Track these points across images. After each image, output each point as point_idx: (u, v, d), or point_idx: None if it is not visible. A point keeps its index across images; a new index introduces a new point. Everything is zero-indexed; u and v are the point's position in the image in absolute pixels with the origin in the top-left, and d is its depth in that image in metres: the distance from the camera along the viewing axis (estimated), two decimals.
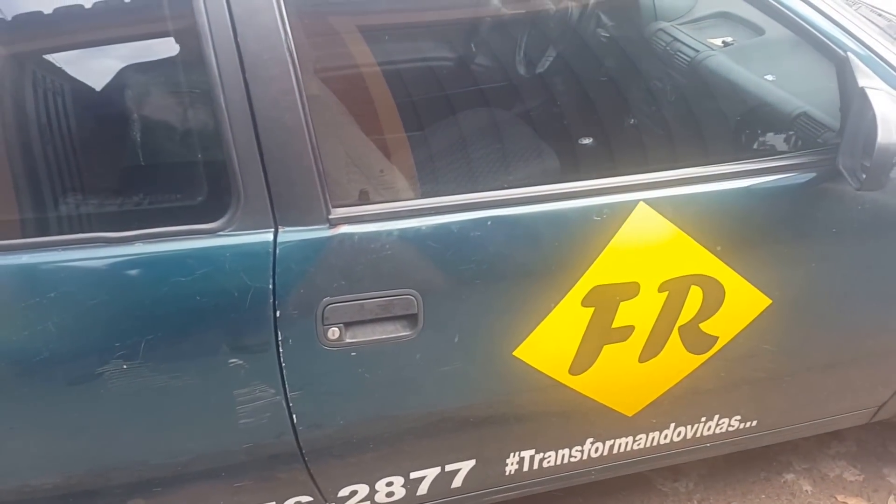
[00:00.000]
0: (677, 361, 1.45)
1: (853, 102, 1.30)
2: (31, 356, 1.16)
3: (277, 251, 1.18)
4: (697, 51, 1.79)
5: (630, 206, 1.30)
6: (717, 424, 1.60)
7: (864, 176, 1.26)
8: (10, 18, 1.24)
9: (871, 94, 1.26)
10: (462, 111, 1.91)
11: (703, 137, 1.71)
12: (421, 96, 1.91)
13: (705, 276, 1.36)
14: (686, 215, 1.33)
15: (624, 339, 1.38)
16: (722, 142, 1.66)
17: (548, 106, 1.99)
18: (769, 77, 1.65)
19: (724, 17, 1.90)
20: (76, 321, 1.16)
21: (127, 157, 1.29)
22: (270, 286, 1.19)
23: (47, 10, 1.24)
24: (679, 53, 1.82)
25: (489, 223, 1.26)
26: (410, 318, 1.26)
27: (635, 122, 1.87)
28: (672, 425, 1.57)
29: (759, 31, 1.78)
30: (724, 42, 1.81)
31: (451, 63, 2.13)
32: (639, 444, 1.57)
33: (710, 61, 1.75)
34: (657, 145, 1.77)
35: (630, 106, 1.90)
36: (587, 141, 1.79)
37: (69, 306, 1.16)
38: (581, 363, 1.38)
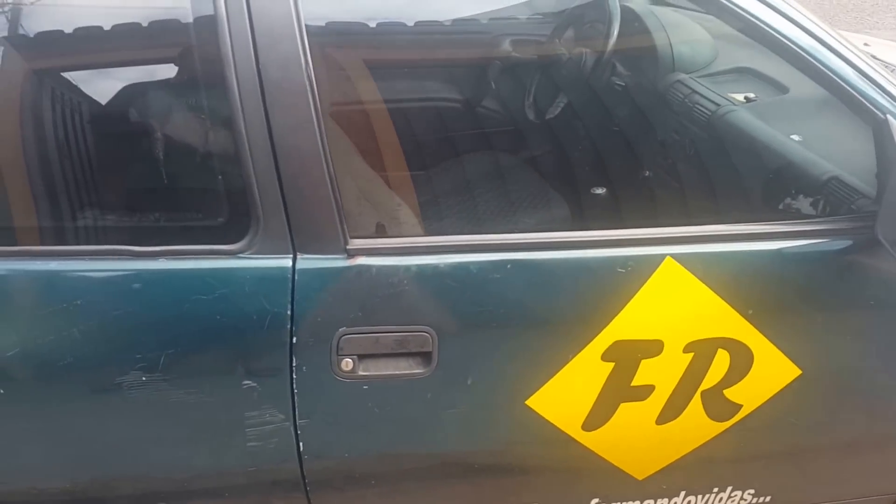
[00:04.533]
0: (696, 427, 1.40)
1: (893, 168, 1.26)
2: (53, 360, 1.18)
3: (296, 277, 1.19)
4: (718, 104, 1.75)
5: (657, 261, 1.28)
6: (730, 497, 1.54)
7: None
8: (34, 39, 1.30)
9: None
10: (470, 154, 1.93)
11: (730, 194, 1.67)
12: (431, 136, 1.93)
13: (734, 339, 1.32)
14: (716, 274, 1.30)
15: (643, 399, 1.35)
16: (750, 200, 1.62)
17: (562, 153, 1.98)
18: (795, 137, 1.60)
19: (745, 72, 1.86)
20: (100, 330, 1.18)
21: (154, 176, 1.33)
22: (289, 312, 1.19)
23: (81, 34, 1.30)
24: (698, 106, 1.78)
25: (509, 266, 1.25)
26: (424, 356, 1.25)
27: (650, 175, 1.84)
28: (682, 493, 1.51)
29: (782, 89, 1.74)
30: (746, 98, 1.76)
31: (459, 105, 2.15)
32: None
33: (732, 116, 1.70)
34: (678, 199, 1.74)
35: (645, 157, 1.87)
36: (600, 191, 1.78)
37: (94, 315, 1.18)
38: (595, 419, 1.35)
